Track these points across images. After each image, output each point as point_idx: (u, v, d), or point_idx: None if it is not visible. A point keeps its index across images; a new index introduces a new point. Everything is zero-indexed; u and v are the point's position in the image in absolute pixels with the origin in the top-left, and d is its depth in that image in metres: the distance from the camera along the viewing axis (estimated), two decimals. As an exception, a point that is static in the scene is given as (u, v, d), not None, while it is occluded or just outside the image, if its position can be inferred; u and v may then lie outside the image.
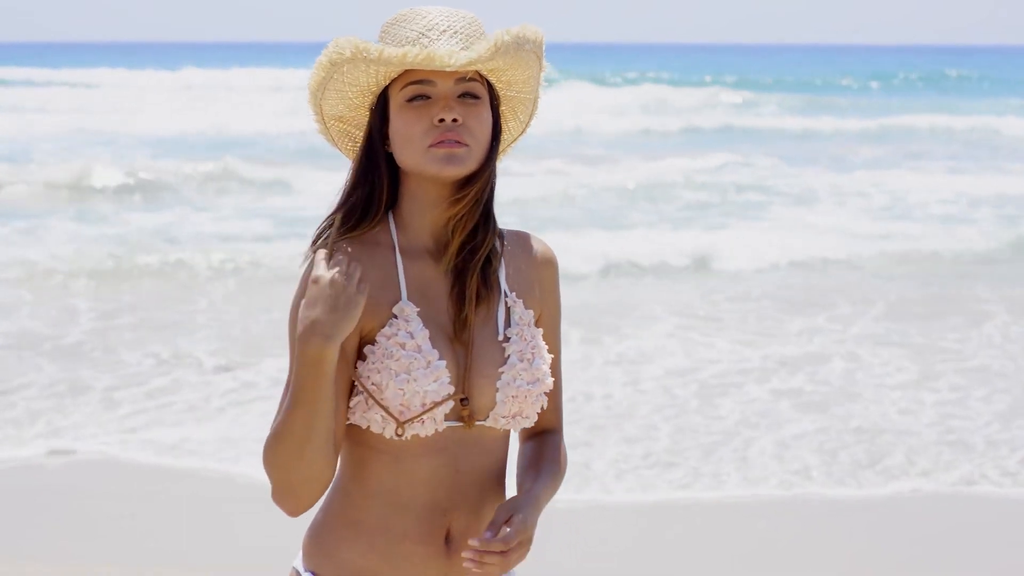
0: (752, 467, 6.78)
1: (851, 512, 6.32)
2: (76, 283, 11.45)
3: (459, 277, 2.30)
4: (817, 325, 10.15)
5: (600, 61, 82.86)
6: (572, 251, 12.21)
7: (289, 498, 2.20)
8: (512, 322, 2.32)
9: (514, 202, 16.55)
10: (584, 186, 18.80)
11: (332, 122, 2.36)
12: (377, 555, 2.29)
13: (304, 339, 2.12)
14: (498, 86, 2.33)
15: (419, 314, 2.26)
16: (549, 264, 2.42)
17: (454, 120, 2.22)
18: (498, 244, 2.36)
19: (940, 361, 9.03)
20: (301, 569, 2.35)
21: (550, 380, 2.34)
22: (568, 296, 10.45)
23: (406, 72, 2.24)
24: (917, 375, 8.66)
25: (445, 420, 2.26)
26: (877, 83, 55.37)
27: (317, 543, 2.33)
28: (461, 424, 2.27)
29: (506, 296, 2.34)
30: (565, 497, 6.29)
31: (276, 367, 8.53)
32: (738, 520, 6.22)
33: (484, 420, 2.29)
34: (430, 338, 2.25)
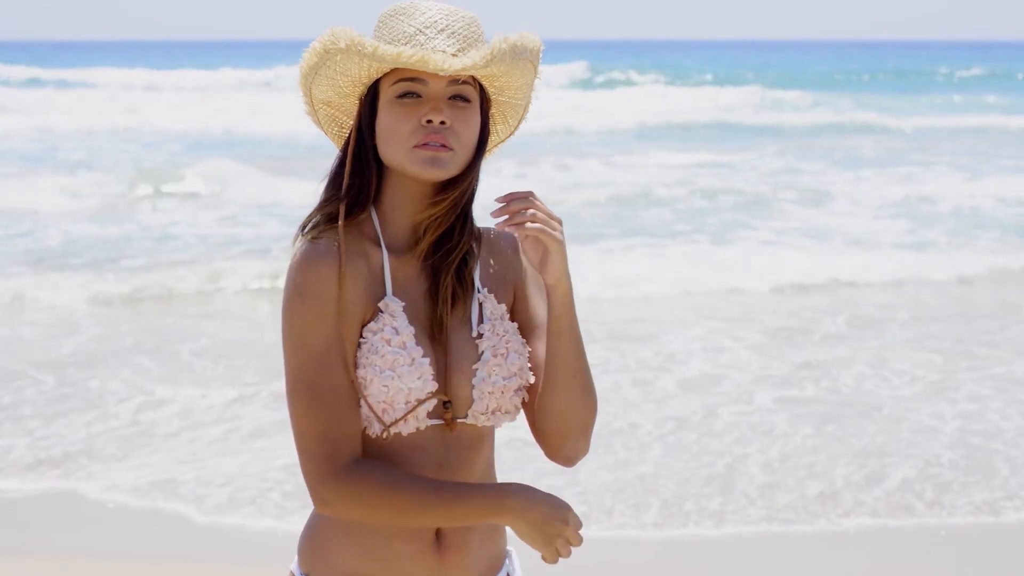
0: (746, 499, 6.34)
1: (850, 546, 5.89)
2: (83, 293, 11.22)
3: (435, 277, 2.31)
4: (843, 334, 9.88)
5: (613, 58, 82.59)
6: (592, 266, 11.98)
7: (343, 515, 2.24)
8: (484, 318, 2.32)
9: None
10: (606, 187, 18.50)
11: (320, 106, 2.35)
12: (369, 556, 2.30)
13: (512, 509, 2.21)
14: (490, 90, 2.33)
15: (404, 310, 2.27)
16: (520, 251, 2.40)
17: (442, 122, 2.22)
18: (475, 245, 2.37)
19: (964, 370, 8.72)
20: (297, 572, 2.36)
21: (528, 374, 2.34)
22: (594, 310, 9.96)
23: (398, 67, 2.23)
24: (942, 387, 8.33)
25: (428, 419, 2.27)
26: (906, 80, 55.06)
27: (311, 546, 2.35)
28: (443, 423, 2.28)
29: (478, 292, 2.34)
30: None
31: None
32: (730, 558, 5.81)
33: (465, 418, 2.30)
34: (414, 335, 2.26)
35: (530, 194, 2.24)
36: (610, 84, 47.15)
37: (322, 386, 2.22)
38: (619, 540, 5.85)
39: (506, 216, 2.24)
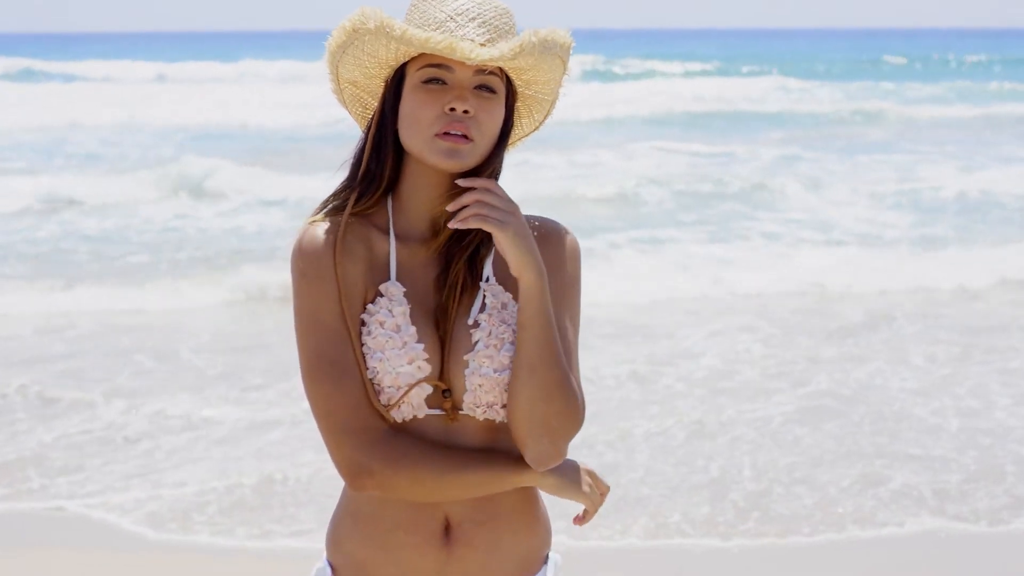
0: (739, 508, 6.09)
1: (851, 555, 5.63)
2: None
3: (447, 265, 2.29)
4: (852, 334, 9.72)
5: (624, 47, 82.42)
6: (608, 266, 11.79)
7: (385, 485, 2.22)
8: (485, 308, 2.28)
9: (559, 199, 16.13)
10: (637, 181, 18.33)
11: (346, 85, 2.33)
12: (373, 546, 2.30)
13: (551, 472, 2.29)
14: (517, 83, 2.31)
15: (405, 295, 2.26)
16: (545, 241, 2.35)
17: (465, 111, 2.20)
18: None
19: (976, 367, 8.52)
20: (323, 560, 2.39)
21: None
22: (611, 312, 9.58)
23: (426, 53, 2.21)
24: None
25: (428, 408, 2.25)
26: (916, 69, 54.87)
27: (332, 536, 2.37)
28: (443, 413, 2.26)
29: (485, 282, 2.31)
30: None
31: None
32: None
33: (463, 409, 2.27)
34: (413, 321, 2.24)
35: (488, 183, 2.21)
36: (621, 75, 46.97)
37: (345, 361, 2.22)
38: (605, 550, 5.66)
39: (461, 208, 2.22)
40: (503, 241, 2.20)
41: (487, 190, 2.21)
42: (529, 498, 2.37)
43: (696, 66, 53.61)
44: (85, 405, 7.73)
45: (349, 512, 2.34)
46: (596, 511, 2.38)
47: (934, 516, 5.97)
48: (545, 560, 2.42)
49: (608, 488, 2.39)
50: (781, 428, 7.28)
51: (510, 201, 2.22)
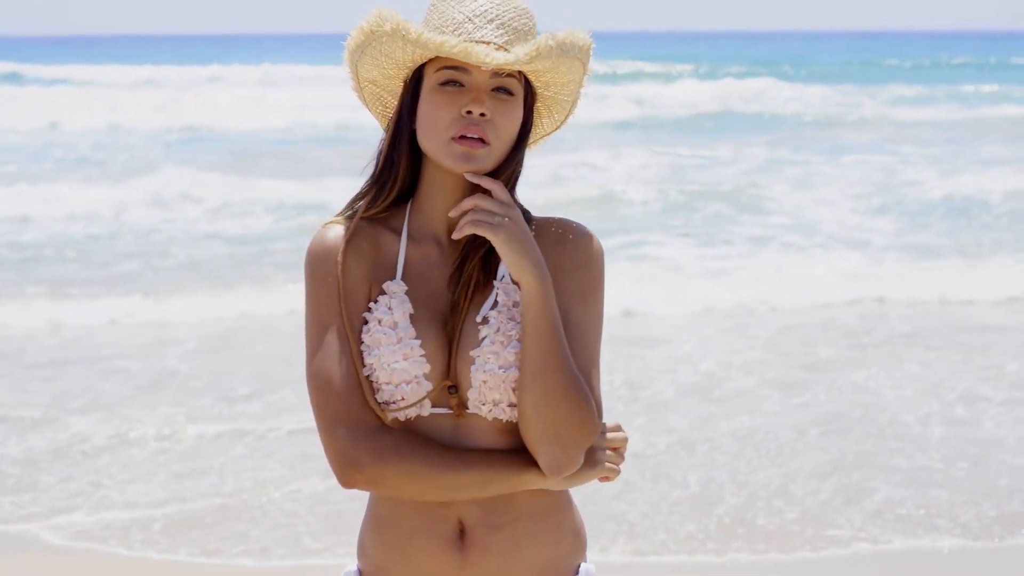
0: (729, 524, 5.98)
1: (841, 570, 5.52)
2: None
3: (460, 263, 2.28)
4: (843, 344, 9.63)
5: (615, 50, 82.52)
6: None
7: (376, 481, 2.20)
8: (497, 305, 2.27)
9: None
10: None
11: (366, 84, 2.34)
12: (391, 551, 2.29)
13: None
14: (536, 85, 2.31)
15: (408, 294, 2.26)
16: (562, 242, 2.33)
17: (482, 114, 2.20)
18: None
19: (967, 372, 8.43)
20: (353, 565, 2.40)
21: None
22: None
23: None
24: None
25: (432, 407, 2.24)
26: (910, 70, 54.90)
27: (359, 541, 2.39)
28: (450, 412, 2.24)
29: (498, 281, 2.29)
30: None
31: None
32: None
33: (469, 407, 2.24)
34: (415, 319, 2.24)
35: (493, 184, 2.21)
36: (609, 76, 46.94)
37: (342, 358, 2.22)
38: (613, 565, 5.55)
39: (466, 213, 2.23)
40: (497, 245, 2.19)
41: (483, 195, 2.21)
42: (554, 504, 2.33)
43: (684, 68, 53.62)
44: (58, 417, 7.58)
45: (371, 517, 2.34)
46: (619, 471, 2.34)
47: (926, 532, 5.86)
48: (576, 571, 2.38)
49: (626, 438, 2.36)
50: (776, 437, 7.19)
51: (508, 205, 2.21)
